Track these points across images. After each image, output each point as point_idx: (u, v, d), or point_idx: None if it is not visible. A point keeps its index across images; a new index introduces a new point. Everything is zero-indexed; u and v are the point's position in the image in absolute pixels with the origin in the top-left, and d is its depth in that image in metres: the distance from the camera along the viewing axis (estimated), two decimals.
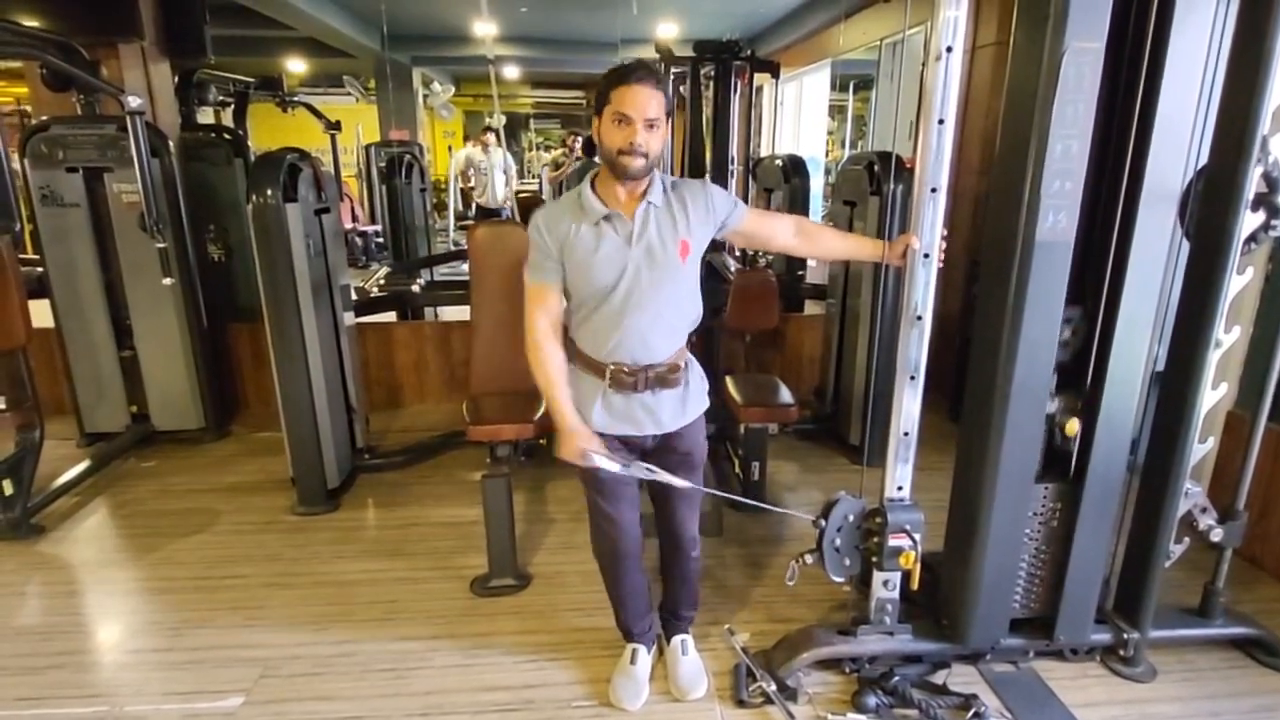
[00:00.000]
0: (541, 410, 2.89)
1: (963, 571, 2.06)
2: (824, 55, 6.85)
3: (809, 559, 2.11)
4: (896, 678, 2.07)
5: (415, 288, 3.49)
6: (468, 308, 4.65)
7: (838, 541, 2.07)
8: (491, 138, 8.16)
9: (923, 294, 1.86)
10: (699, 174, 6.50)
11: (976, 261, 3.63)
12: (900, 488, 2.01)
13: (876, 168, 3.35)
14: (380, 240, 7.60)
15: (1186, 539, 2.12)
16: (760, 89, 7.14)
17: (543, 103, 12.09)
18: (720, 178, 6.39)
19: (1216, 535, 2.13)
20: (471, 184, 8.63)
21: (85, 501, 3.24)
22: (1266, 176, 1.83)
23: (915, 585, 1.98)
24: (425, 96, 10.08)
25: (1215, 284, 1.89)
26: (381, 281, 3.66)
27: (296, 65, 8.49)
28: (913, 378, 1.92)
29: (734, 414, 3.08)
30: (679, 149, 6.71)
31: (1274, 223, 1.87)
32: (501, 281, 3.18)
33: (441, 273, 4.85)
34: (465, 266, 6.92)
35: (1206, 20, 1.70)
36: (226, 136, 4.19)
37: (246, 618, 2.43)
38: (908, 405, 1.95)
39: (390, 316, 4.48)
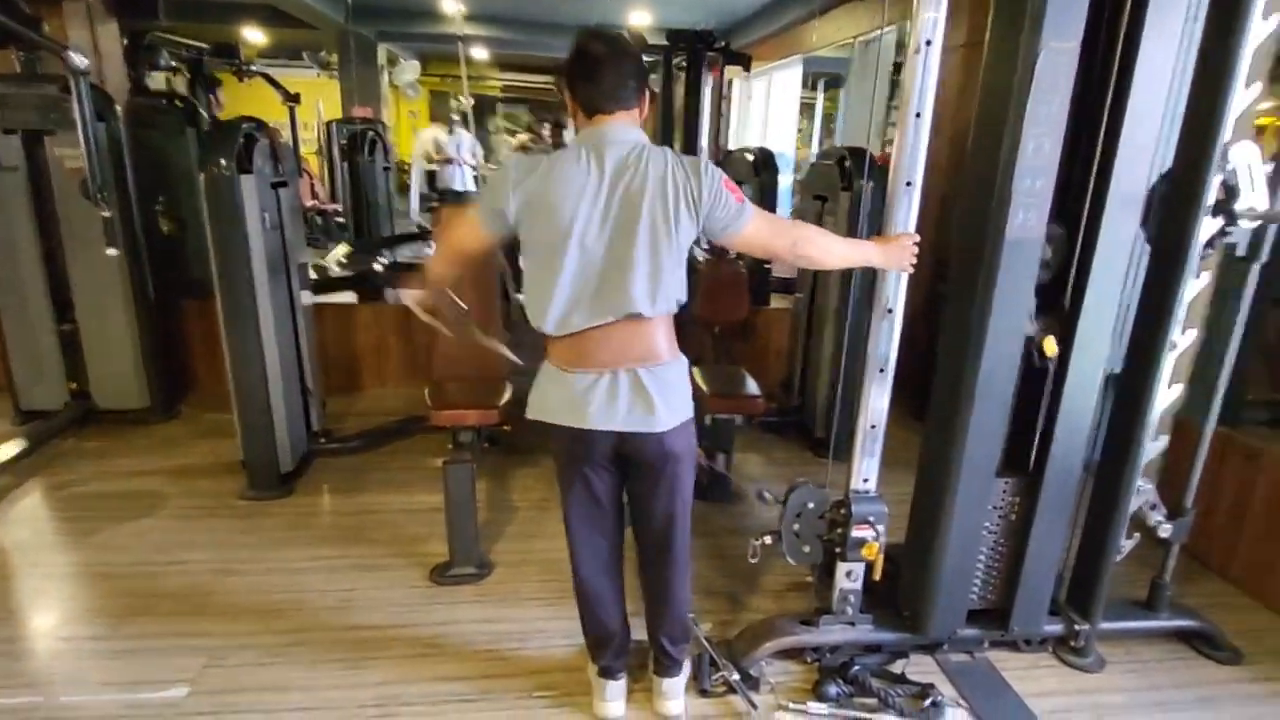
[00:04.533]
0: (507, 396, 2.85)
1: (925, 563, 2.08)
2: (795, 51, 6.87)
3: (769, 539, 2.12)
4: (856, 667, 2.09)
5: (378, 266, 3.39)
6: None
7: (796, 526, 2.08)
8: (459, 119, 8.00)
9: (894, 287, 1.87)
10: None
11: (941, 260, 3.68)
12: (866, 480, 2.02)
13: (848, 163, 3.37)
14: (341, 219, 7.41)
15: (1137, 534, 2.18)
16: (730, 82, 7.14)
17: (512, 86, 11.90)
18: None
19: (1165, 531, 2.19)
20: (435, 166, 8.46)
21: (19, 482, 3.08)
22: (1225, 184, 1.88)
23: (878, 576, 2.00)
24: (390, 74, 9.84)
25: (1174, 287, 1.94)
26: (343, 260, 3.55)
27: (254, 35, 8.19)
28: (881, 371, 1.93)
29: (701, 405, 3.07)
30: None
31: (1230, 229, 1.93)
32: (480, 271, 3.12)
33: (404, 255, 4.73)
34: (428, 249, 6.78)
35: (1177, 27, 1.73)
36: (179, 104, 4.01)
37: (192, 606, 2.33)
38: (875, 399, 1.96)
39: (350, 298, 4.37)
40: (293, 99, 4.80)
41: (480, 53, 9.78)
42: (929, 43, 1.72)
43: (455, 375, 3.05)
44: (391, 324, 4.27)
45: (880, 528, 1.98)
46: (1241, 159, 1.85)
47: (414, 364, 4.31)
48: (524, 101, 12.80)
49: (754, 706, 1.99)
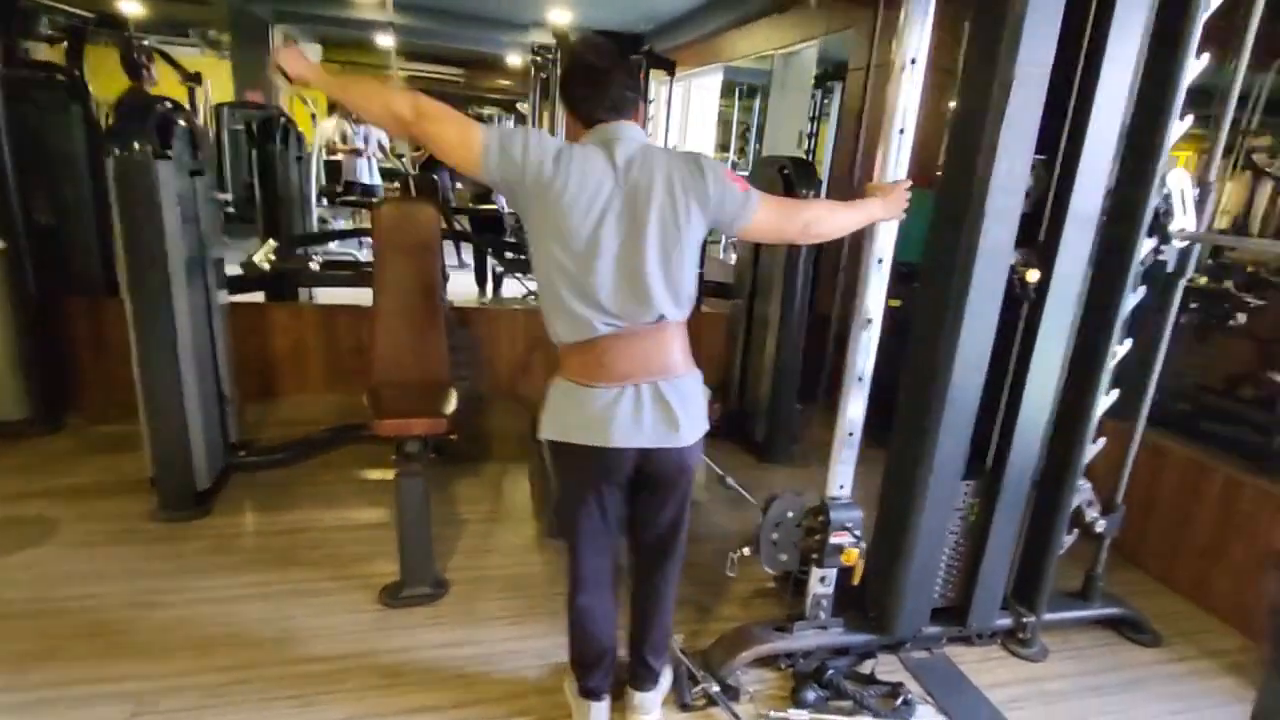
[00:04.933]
0: (454, 403, 2.72)
1: (893, 565, 2.14)
2: (716, 59, 6.97)
3: (747, 551, 2.12)
4: (830, 671, 2.13)
5: (314, 265, 3.14)
6: (351, 290, 4.36)
7: (775, 535, 2.10)
8: None
9: (875, 298, 1.91)
10: None
11: None
12: (842, 486, 2.06)
13: (787, 171, 3.44)
14: (231, 210, 6.86)
15: (1076, 530, 2.34)
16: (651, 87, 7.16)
17: (419, 77, 11.45)
18: None
19: (1100, 526, 2.36)
20: (340, 156, 8.01)
21: None
22: (1159, 207, 2.05)
23: (857, 581, 2.04)
24: None
25: (1116, 300, 2.09)
26: (272, 257, 3.27)
27: (132, 7, 7.44)
28: (860, 380, 1.97)
29: None
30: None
31: (1163, 247, 2.10)
32: (407, 264, 2.96)
33: (324, 252, 4.43)
34: (338, 245, 6.40)
35: (1132, 57, 1.85)
36: (61, 77, 3.57)
37: (109, 645, 2.07)
38: (853, 408, 1.99)
39: (258, 297, 4.05)
40: (193, 79, 4.38)
41: (386, 40, 9.32)
42: (914, 61, 1.76)
43: (396, 380, 2.89)
44: (311, 325, 3.99)
45: (858, 533, 2.02)
46: (1176, 184, 2.02)
47: (337, 368, 4.05)
48: (431, 93, 12.32)
49: (736, 718, 1.98)
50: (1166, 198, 2.03)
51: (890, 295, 3.70)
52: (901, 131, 1.81)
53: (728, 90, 7.71)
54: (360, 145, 7.95)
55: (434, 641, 2.21)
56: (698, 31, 6.51)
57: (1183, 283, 2.17)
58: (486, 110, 14.45)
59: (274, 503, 2.93)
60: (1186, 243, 2.09)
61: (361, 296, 4.19)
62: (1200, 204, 2.09)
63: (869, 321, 1.93)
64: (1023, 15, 1.72)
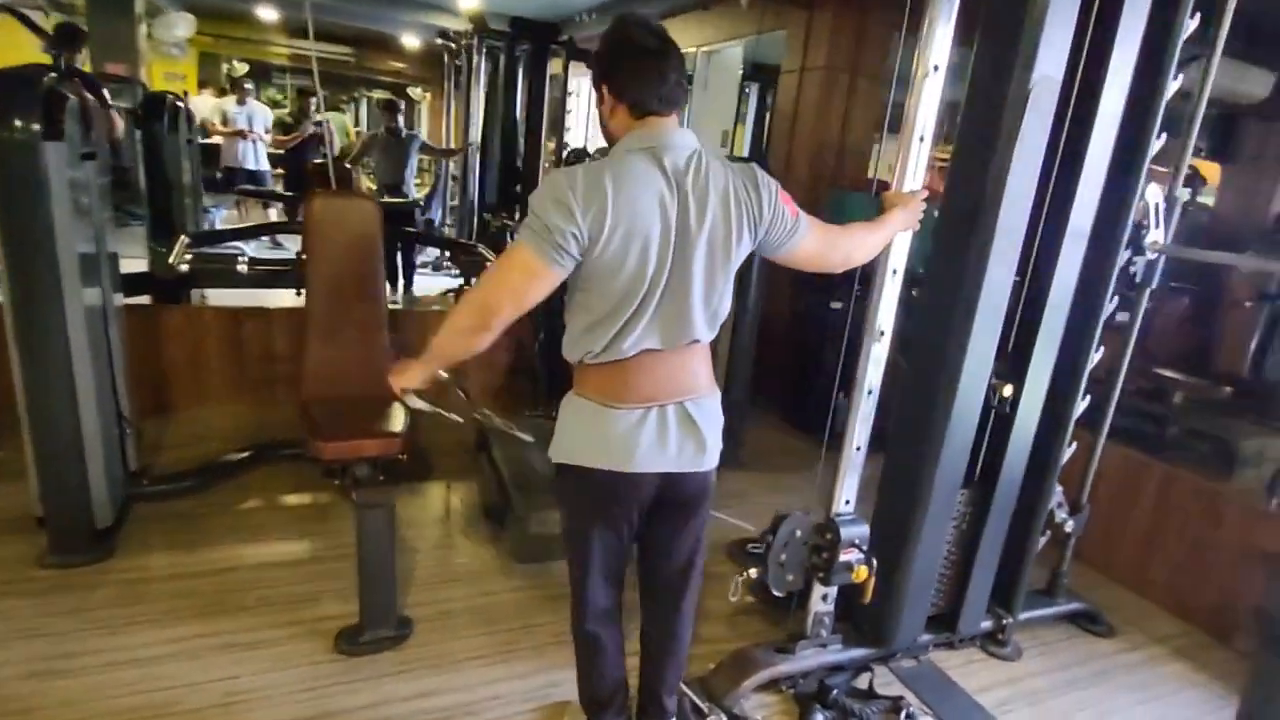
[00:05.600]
0: (405, 419, 2.46)
1: (894, 576, 2.12)
2: None
3: (754, 573, 2.03)
4: (834, 691, 2.08)
5: (242, 267, 2.74)
6: (248, 291, 3.90)
7: (783, 557, 2.02)
8: (251, 88, 6.93)
9: (888, 310, 1.86)
10: (510, 166, 6.14)
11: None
12: (848, 502, 2.00)
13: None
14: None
15: (1048, 531, 2.42)
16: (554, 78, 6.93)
17: (302, 55, 10.53)
18: (531, 172, 6.12)
19: (1069, 526, 2.45)
20: (219, 140, 7.27)
21: None
22: (1136, 222, 2.13)
23: (868, 598, 1.99)
24: (150, 26, 8.24)
25: (1096, 309, 2.16)
26: (189, 256, 2.82)
27: None
28: (870, 393, 1.92)
29: None
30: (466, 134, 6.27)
31: (1135, 259, 2.19)
32: (346, 262, 2.66)
33: (212, 249, 3.91)
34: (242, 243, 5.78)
35: (1128, 76, 1.90)
36: None
37: None
38: (862, 422, 1.94)
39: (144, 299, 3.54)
40: (60, 45, 3.73)
41: (269, 13, 8.54)
42: (937, 68, 1.72)
43: (334, 394, 2.59)
44: (212, 330, 3.54)
45: (865, 549, 1.98)
46: (1152, 199, 2.11)
47: (241, 378, 3.62)
48: (308, 72, 11.42)
49: None
50: (1143, 211, 2.11)
51: (834, 298, 3.69)
52: (921, 139, 1.76)
53: None
54: (243, 127, 7.24)
55: (406, 693, 1.97)
56: None
57: (1149, 292, 2.28)
58: (375, 94, 13.61)
59: (189, 538, 2.54)
60: (1157, 255, 2.18)
61: (265, 298, 3.81)
62: (1168, 218, 2.19)
63: (882, 334, 1.88)
64: (1040, 30, 1.71)
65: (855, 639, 2.19)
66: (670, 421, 1.49)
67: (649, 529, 1.63)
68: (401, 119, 6.03)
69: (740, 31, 5.34)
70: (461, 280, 5.21)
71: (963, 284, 1.88)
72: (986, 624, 2.38)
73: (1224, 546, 2.60)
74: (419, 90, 12.92)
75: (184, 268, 2.76)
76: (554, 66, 5.92)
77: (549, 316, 3.83)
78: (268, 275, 3.50)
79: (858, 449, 1.96)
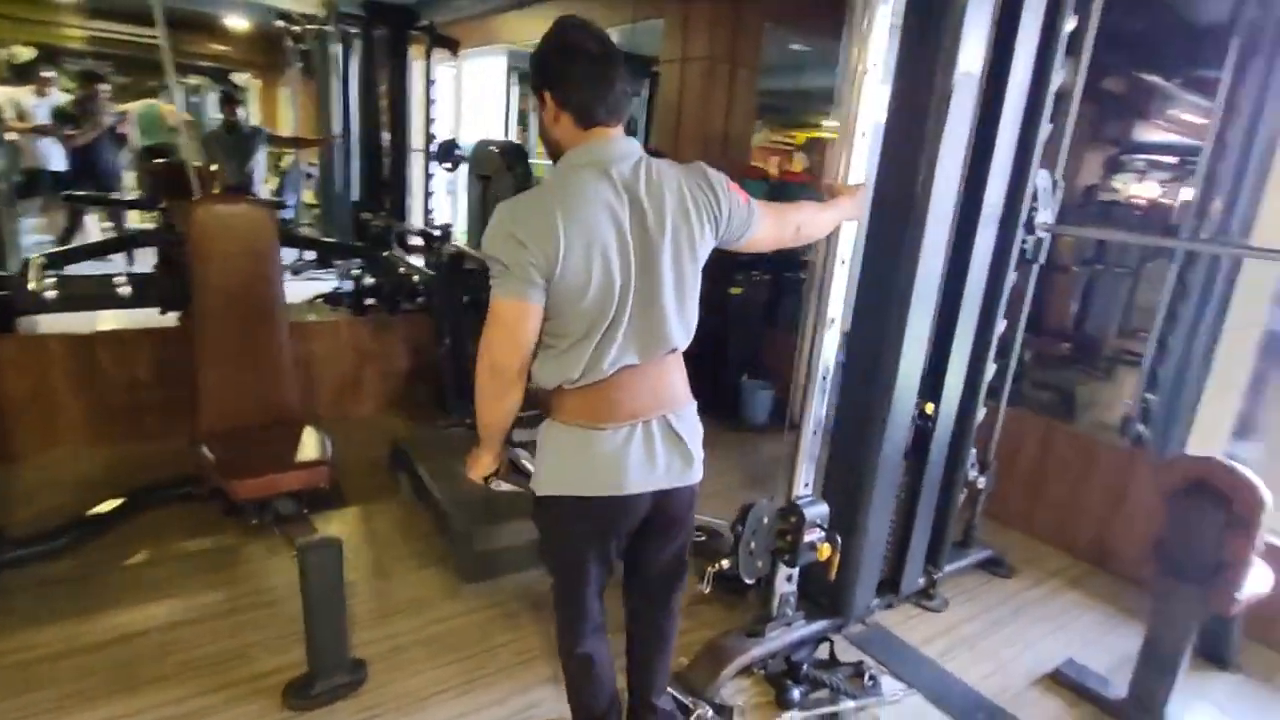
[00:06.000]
0: (327, 446, 2.28)
1: (848, 551, 2.22)
2: (495, 41, 6.62)
3: (725, 564, 2.06)
4: (803, 666, 2.16)
5: (123, 290, 2.33)
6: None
7: (753, 545, 2.06)
8: (54, 76, 6.01)
9: (837, 298, 1.94)
10: (375, 159, 5.75)
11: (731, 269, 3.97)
12: (806, 484, 2.08)
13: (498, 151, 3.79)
14: None
15: (965, 489, 2.64)
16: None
17: (105, 39, 9.18)
18: (399, 163, 5.78)
19: (981, 482, 2.69)
20: (15, 137, 6.24)
21: None
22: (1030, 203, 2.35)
23: (834, 575, 2.07)
24: None
25: (999, 286, 2.37)
26: (51, 278, 2.36)
27: None
28: (824, 379, 2.00)
29: None
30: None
31: (1027, 238, 2.42)
32: (238, 277, 2.40)
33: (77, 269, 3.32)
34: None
35: (1030, 65, 2.08)
36: None
37: None
38: (817, 407, 2.02)
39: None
40: None
41: None
42: (874, 66, 1.79)
43: (233, 426, 2.35)
44: (59, 359, 3.06)
45: (827, 528, 2.06)
46: (1042, 183, 2.34)
47: (100, 413, 3.16)
48: (110, 57, 10.02)
49: None
50: (1034, 194, 2.34)
51: (733, 284, 3.81)
52: (863, 135, 1.84)
53: (521, 75, 7.41)
54: (45, 121, 6.25)
55: None
56: (480, 7, 6.12)
57: (1036, 267, 2.53)
58: (192, 80, 12.27)
59: (77, 605, 2.20)
60: (1047, 234, 2.42)
61: (106, 321, 3.35)
62: (1053, 199, 2.44)
63: (832, 321, 1.95)
64: (960, 31, 1.84)
65: (815, 614, 2.28)
66: (655, 437, 1.48)
67: (638, 542, 1.61)
68: (243, 112, 5.48)
69: (613, 20, 5.30)
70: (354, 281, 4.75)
71: (900, 268, 1.99)
72: (920, 581, 2.57)
73: (1097, 486, 2.97)
74: (244, 76, 11.82)
75: (50, 294, 2.34)
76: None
77: (453, 317, 3.67)
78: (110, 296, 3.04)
79: (814, 433, 2.03)
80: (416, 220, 5.90)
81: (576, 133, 1.37)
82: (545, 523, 1.54)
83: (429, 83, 5.78)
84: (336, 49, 5.61)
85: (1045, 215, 2.39)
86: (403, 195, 5.82)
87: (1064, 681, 2.27)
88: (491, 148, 4.98)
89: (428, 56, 5.75)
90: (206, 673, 1.99)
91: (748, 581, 2.09)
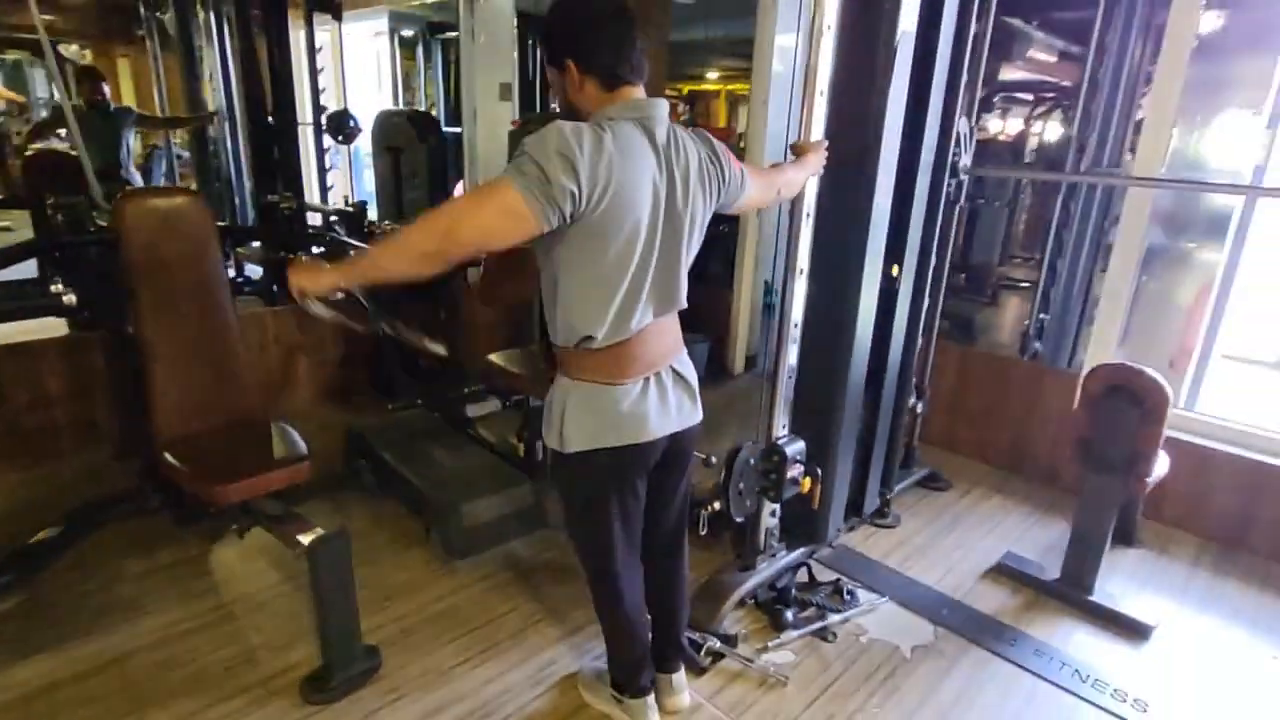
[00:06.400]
0: (302, 443, 2.23)
1: (822, 482, 2.41)
2: (377, 2, 6.27)
3: (717, 505, 2.20)
4: (791, 591, 2.35)
5: (67, 297, 2.08)
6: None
7: (741, 485, 2.21)
8: None
9: (805, 248, 2.08)
10: (262, 135, 5.35)
11: None
12: (784, 426, 2.23)
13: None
14: None
15: (906, 416, 2.90)
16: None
17: None
18: (288, 135, 5.41)
19: (919, 407, 2.96)
20: None
21: None
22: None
23: (817, 503, 2.26)
24: None
25: (933, 226, 2.58)
26: None
27: None
28: (796, 326, 2.14)
29: (520, 388, 2.87)
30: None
31: (951, 181, 2.64)
32: (183, 274, 2.26)
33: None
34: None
35: (954, 24, 2.26)
36: None
37: None
38: (790, 356, 2.16)
39: None
40: None
41: None
42: (829, 27, 1.90)
43: (195, 430, 2.24)
44: None
45: (805, 463, 2.23)
46: (963, 130, 2.55)
47: (11, 436, 2.89)
48: None
49: (750, 661, 2.09)
50: (958, 140, 2.55)
51: None
52: (822, 93, 1.95)
53: (407, 39, 7.02)
54: None
55: (411, 718, 1.86)
56: None
57: (957, 209, 2.76)
58: (10, 55, 10.83)
59: (49, 636, 2.06)
60: (966, 176, 2.65)
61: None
62: (969, 145, 2.67)
63: (801, 271, 2.09)
64: None
65: (793, 544, 2.47)
66: (667, 384, 1.57)
67: (654, 483, 1.70)
68: (108, 89, 4.96)
69: None
70: None
71: (858, 215, 2.15)
72: (875, 502, 2.82)
73: (1009, 401, 3.33)
74: (75, 48, 10.56)
75: None
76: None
77: (391, 299, 3.56)
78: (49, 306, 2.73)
79: (790, 378, 2.18)
80: (312, 199, 5.58)
81: (602, 96, 1.39)
82: (575, 478, 1.60)
83: (312, 50, 5.43)
84: (205, 16, 5.15)
85: (965, 159, 2.61)
86: (296, 173, 5.48)
87: (1006, 572, 2.58)
88: (398, 118, 4.81)
89: (308, 22, 5.38)
90: (215, 682, 1.94)
91: (738, 520, 2.24)
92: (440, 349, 1.79)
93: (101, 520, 2.53)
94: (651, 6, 4.50)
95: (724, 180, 1.54)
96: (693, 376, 1.64)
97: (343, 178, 6.54)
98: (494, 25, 5.75)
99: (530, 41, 5.58)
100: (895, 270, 2.39)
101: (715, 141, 1.55)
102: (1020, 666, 2.14)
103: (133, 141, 5.18)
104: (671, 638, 1.90)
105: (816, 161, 1.93)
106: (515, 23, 5.52)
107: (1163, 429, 2.19)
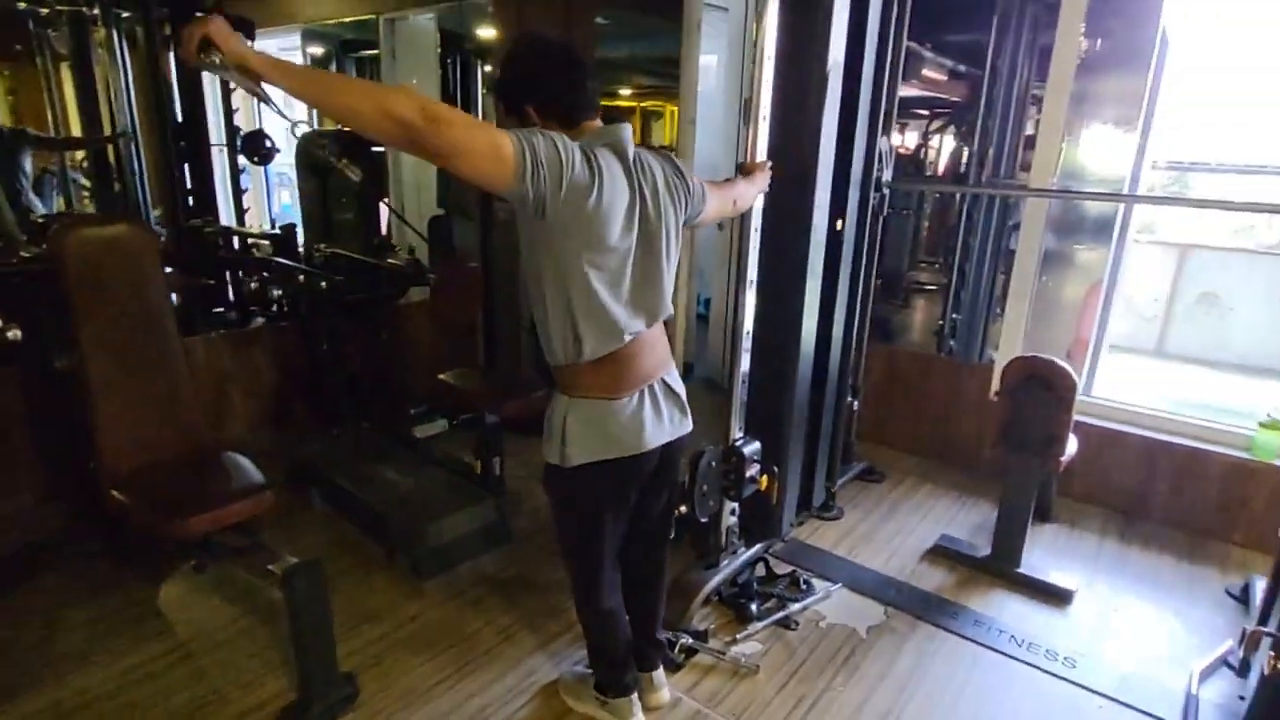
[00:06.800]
0: (252, 472, 2.19)
1: (778, 478, 2.55)
2: (295, 20, 6.11)
3: (683, 509, 2.30)
4: (754, 585, 2.48)
5: (12, 334, 1.94)
6: None
7: (704, 487, 2.32)
8: None
9: (754, 262, 2.22)
10: (172, 158, 5.12)
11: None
12: (740, 429, 2.36)
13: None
14: None
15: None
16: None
17: None
18: (201, 160, 5.19)
19: (855, 405, 3.16)
20: None
21: None
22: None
23: (775, 499, 2.39)
24: None
25: (863, 237, 2.79)
26: None
27: None
28: (748, 334, 2.28)
29: (476, 406, 2.88)
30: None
31: (875, 195, 2.86)
32: (127, 303, 2.19)
33: None
34: None
35: (874, 53, 2.46)
36: None
37: None
38: (744, 364, 2.29)
39: None
40: None
41: None
42: (770, 57, 2.05)
43: (147, 464, 2.17)
44: None
45: (762, 462, 2.36)
46: (884, 147, 2.77)
47: None
48: None
49: (722, 654, 2.19)
50: (880, 156, 2.77)
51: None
52: (765, 117, 2.10)
53: (319, 58, 6.83)
54: None
55: None
56: None
57: (881, 219, 2.99)
58: None
59: None
60: (888, 189, 2.88)
61: None
62: (890, 162, 2.89)
63: (751, 283, 2.23)
64: (829, 27, 2.15)
65: (750, 540, 2.60)
66: (659, 396, 1.67)
67: (644, 492, 1.77)
68: None
69: None
70: None
71: (801, 229, 2.31)
72: (822, 497, 3.00)
73: (932, 395, 3.59)
74: None
75: None
76: None
77: (330, 322, 3.50)
78: None
79: (743, 384, 2.31)
80: (229, 222, 5.38)
81: (566, 133, 1.48)
82: (571, 490, 1.66)
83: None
84: (107, 33, 4.90)
85: (887, 174, 2.84)
86: (210, 196, 5.27)
87: (943, 552, 2.79)
88: (326, 138, 4.70)
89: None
90: None
91: (702, 520, 2.34)
92: (355, 174, 1.83)
93: (34, 569, 2.40)
94: (578, 27, 4.60)
95: (688, 193, 1.65)
96: (682, 389, 1.73)
97: (257, 200, 6.32)
98: (415, 45, 5.75)
99: (450, 60, 5.58)
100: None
101: (680, 163, 1.66)
102: (964, 637, 2.33)
103: (29, 166, 4.85)
104: (651, 636, 1.98)
105: (763, 179, 2.08)
106: (438, 41, 5.53)
107: (1072, 413, 2.44)
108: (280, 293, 3.78)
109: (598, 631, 1.84)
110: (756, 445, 2.35)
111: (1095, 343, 3.50)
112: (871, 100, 2.57)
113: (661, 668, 2.03)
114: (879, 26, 2.47)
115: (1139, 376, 5.22)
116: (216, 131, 5.38)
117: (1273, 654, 1.56)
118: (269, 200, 6.33)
